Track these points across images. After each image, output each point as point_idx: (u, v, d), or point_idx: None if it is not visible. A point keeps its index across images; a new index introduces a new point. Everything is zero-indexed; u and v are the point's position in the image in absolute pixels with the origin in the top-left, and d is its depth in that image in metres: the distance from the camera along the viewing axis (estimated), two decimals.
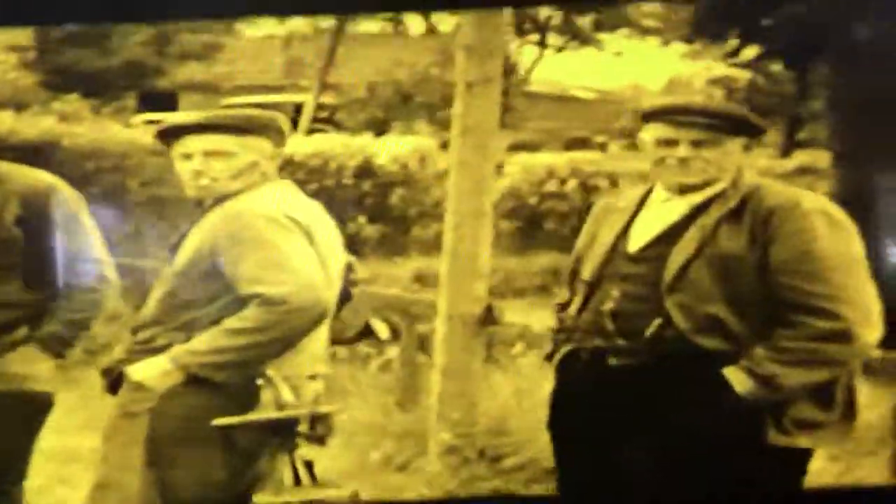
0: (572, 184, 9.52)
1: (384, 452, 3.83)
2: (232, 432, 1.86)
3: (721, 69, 11.19)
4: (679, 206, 1.90)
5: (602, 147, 10.55)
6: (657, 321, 1.81)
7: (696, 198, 1.89)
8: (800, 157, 9.43)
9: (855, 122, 4.93)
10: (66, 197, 2.18)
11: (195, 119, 2.05)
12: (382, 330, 2.10)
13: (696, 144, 1.88)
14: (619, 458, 1.83)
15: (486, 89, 3.98)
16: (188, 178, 2.02)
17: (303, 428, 1.88)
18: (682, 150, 1.88)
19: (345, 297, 2.07)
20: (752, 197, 1.85)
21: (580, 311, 1.93)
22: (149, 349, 1.95)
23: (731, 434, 1.75)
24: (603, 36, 9.90)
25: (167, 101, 10.56)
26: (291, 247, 1.91)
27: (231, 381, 1.90)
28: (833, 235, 1.77)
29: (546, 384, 3.93)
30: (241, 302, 1.90)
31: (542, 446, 3.55)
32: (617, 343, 1.85)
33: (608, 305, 1.87)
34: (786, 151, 10.46)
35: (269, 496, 1.86)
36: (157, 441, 1.89)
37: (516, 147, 9.03)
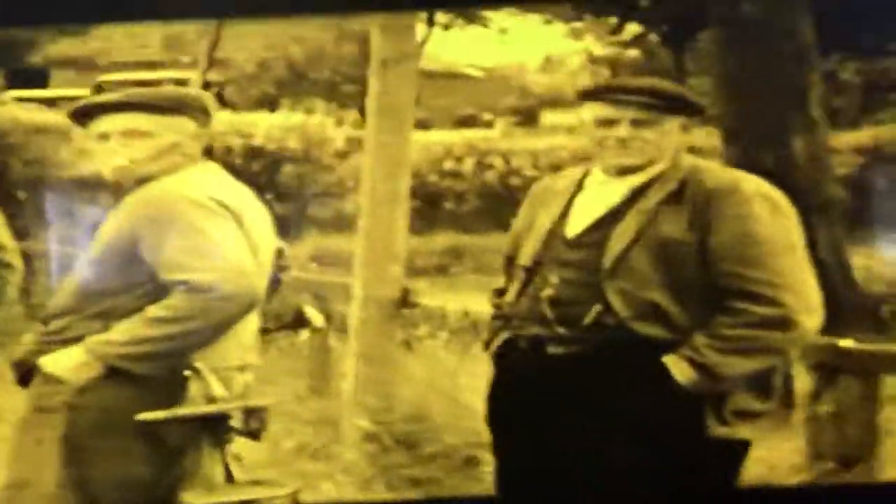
0: (469, 163, 9.59)
1: (298, 440, 3.76)
2: (157, 428, 1.77)
3: (601, 48, 11.47)
4: (618, 189, 1.85)
5: (489, 124, 10.65)
6: (596, 308, 1.77)
7: (636, 180, 1.84)
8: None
9: (744, 98, 5.10)
10: None
11: (111, 98, 1.94)
12: (316, 317, 2.03)
13: (636, 124, 1.83)
14: (558, 450, 1.79)
15: (402, 67, 3.93)
16: (105, 160, 1.91)
17: (235, 422, 1.80)
18: (622, 130, 1.83)
19: (275, 284, 1.99)
20: (691, 179, 1.81)
21: (518, 297, 1.89)
22: (62, 339, 1.84)
23: (672, 425, 1.72)
24: (488, 13, 9.94)
25: (37, 78, 10.04)
26: (219, 231, 1.82)
27: (154, 373, 1.80)
28: (773, 220, 1.76)
29: (462, 370, 3.94)
30: (164, 289, 1.81)
31: (461, 433, 3.57)
32: (556, 331, 1.80)
33: (547, 292, 1.82)
34: None
35: (200, 496, 1.77)
36: (74, 437, 1.78)
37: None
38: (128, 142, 1.87)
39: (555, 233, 1.88)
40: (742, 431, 1.74)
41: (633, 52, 11.46)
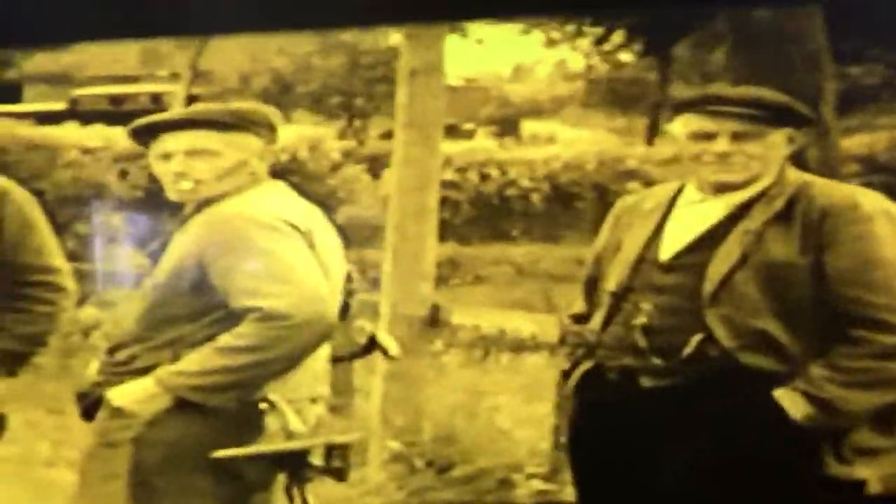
0: (466, 173, 9.53)
1: None
2: (231, 464, 1.66)
3: (580, 58, 11.48)
4: (716, 208, 1.73)
5: (470, 134, 10.61)
6: (697, 337, 1.65)
7: (736, 198, 1.72)
8: (675, 146, 9.74)
9: None
10: (19, 200, 1.93)
11: (173, 116, 1.85)
12: (391, 345, 1.93)
13: (738, 137, 1.70)
14: (653, 490, 1.67)
15: (430, 78, 3.84)
16: (168, 181, 1.81)
17: (316, 460, 1.69)
18: (722, 144, 1.70)
19: (345, 309, 1.90)
20: (800, 196, 1.69)
21: (605, 324, 1.77)
22: (129, 371, 1.73)
23: (784, 465, 1.60)
24: (467, 23, 9.88)
25: (10, 93, 9.89)
26: (291, 255, 1.73)
27: (226, 406, 1.70)
28: None
29: (498, 389, 3.85)
30: (236, 317, 1.70)
31: (492, 455, 3.48)
32: (651, 361, 1.68)
33: (639, 320, 1.71)
34: (650, 139, 10.83)
35: None
36: (141, 473, 1.68)
37: (390, 135, 8.91)
38: (192, 161, 1.78)
39: (646, 256, 1.76)
40: (862, 470, 1.61)
41: (614, 62, 11.46)
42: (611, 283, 1.80)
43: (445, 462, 3.50)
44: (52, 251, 1.97)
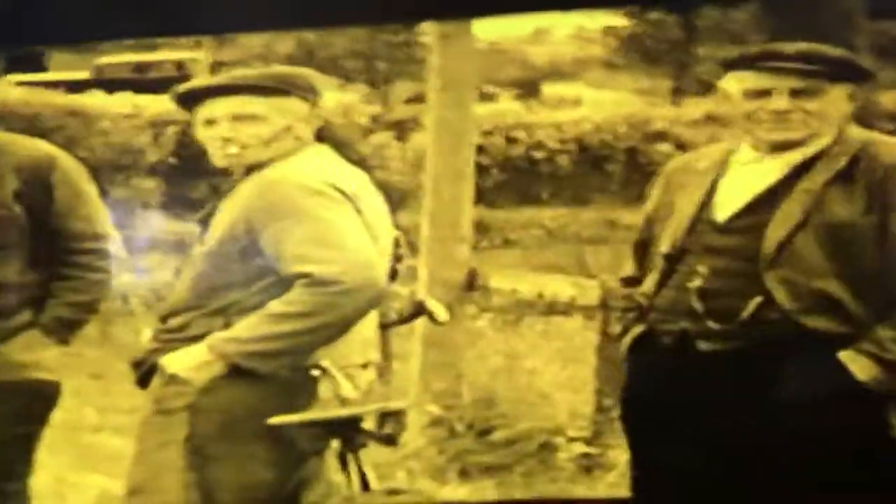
0: (492, 137, 9.44)
1: None
2: (285, 430, 1.66)
3: (600, 19, 11.24)
4: (774, 168, 1.68)
5: (492, 97, 10.50)
6: (756, 300, 1.61)
7: (794, 157, 1.66)
8: (705, 106, 9.55)
9: None
10: (69, 168, 1.94)
11: (219, 81, 1.83)
12: (440, 311, 1.91)
13: (796, 94, 1.64)
14: (711, 454, 1.64)
15: (462, 40, 3.79)
16: (214, 147, 1.79)
17: (369, 426, 1.69)
18: (779, 101, 1.64)
19: (392, 275, 1.88)
20: (863, 154, 1.63)
21: (658, 288, 1.73)
22: (182, 338, 1.73)
23: (850, 428, 1.57)
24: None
25: (32, 60, 9.91)
26: (340, 220, 1.71)
27: (278, 372, 1.69)
28: None
29: (536, 353, 3.83)
30: (286, 283, 1.69)
31: (532, 418, 3.48)
32: (707, 325, 1.64)
33: (695, 282, 1.67)
34: (676, 100, 10.62)
35: (334, 502, 1.67)
36: (197, 440, 1.68)
37: (417, 99, 8.85)
38: (238, 126, 1.76)
39: (700, 217, 1.71)
40: None
41: (636, 22, 11.23)
42: (664, 245, 1.76)
43: (485, 426, 3.51)
44: (101, 218, 1.97)
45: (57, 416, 2.02)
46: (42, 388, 1.92)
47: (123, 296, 5.06)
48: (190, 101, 1.82)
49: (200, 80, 1.86)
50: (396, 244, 1.88)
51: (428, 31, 3.80)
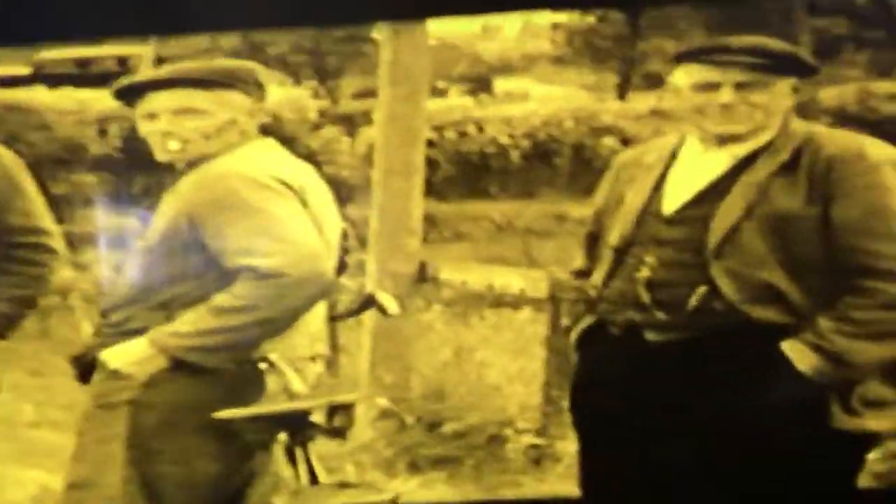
0: (443, 131, 9.45)
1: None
2: (230, 424, 1.64)
3: (547, 15, 11.34)
4: (720, 160, 1.69)
5: (443, 93, 10.51)
6: (702, 290, 1.63)
7: (740, 149, 1.68)
8: (650, 100, 9.72)
9: None
10: (6, 162, 1.88)
11: (159, 75, 1.80)
12: (391, 303, 1.90)
13: (742, 87, 1.66)
14: (657, 445, 1.65)
15: (415, 33, 3.77)
16: (156, 141, 1.76)
17: (318, 419, 1.67)
18: (725, 95, 1.66)
19: (341, 268, 1.86)
20: (806, 146, 1.65)
21: (607, 279, 1.74)
22: (123, 332, 1.70)
23: (792, 417, 1.58)
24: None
25: None
26: (285, 213, 1.70)
27: (223, 366, 1.67)
28: None
29: (486, 345, 3.83)
30: (230, 276, 1.67)
31: (482, 411, 3.48)
32: (654, 315, 1.66)
33: (643, 273, 1.68)
34: (622, 94, 10.78)
35: (286, 500, 1.65)
36: (139, 435, 1.66)
37: (366, 94, 8.83)
38: (179, 121, 1.73)
39: (648, 210, 1.73)
40: (871, 423, 1.60)
41: (582, 17, 11.36)
42: (613, 237, 1.77)
43: (435, 418, 3.50)
44: (41, 213, 1.92)
45: None
46: None
47: (63, 291, 4.94)
48: (131, 95, 1.79)
49: (141, 74, 1.82)
50: (344, 237, 1.86)
51: (379, 27, 3.76)
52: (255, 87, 1.80)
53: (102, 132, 8.12)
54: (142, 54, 10.07)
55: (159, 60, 9.75)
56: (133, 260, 1.75)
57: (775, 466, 1.61)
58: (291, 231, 1.68)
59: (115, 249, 1.95)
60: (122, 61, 9.88)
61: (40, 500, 2.68)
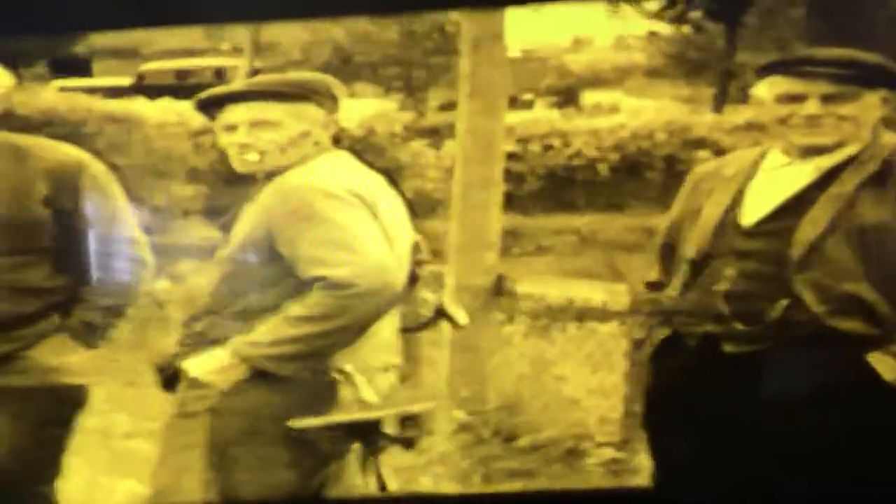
0: (529, 144, 9.42)
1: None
2: (305, 433, 1.67)
3: (642, 27, 11.18)
4: (804, 172, 1.68)
5: (529, 105, 10.46)
6: (784, 302, 1.61)
7: (825, 161, 1.67)
8: (745, 113, 9.48)
9: None
10: (97, 172, 1.95)
11: (237, 87, 1.85)
12: (460, 315, 1.91)
13: (828, 99, 1.65)
14: (735, 459, 1.64)
15: (494, 47, 3.78)
16: (234, 153, 1.82)
17: (390, 430, 1.69)
18: (811, 107, 1.65)
19: (412, 279, 1.88)
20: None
21: (683, 291, 1.74)
22: (205, 341, 1.74)
23: (877, 429, 1.56)
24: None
25: (80, 67, 10.09)
26: (355, 224, 1.72)
27: (299, 375, 1.70)
28: None
29: (565, 358, 3.80)
30: (304, 286, 1.70)
31: (560, 424, 3.45)
32: (733, 327, 1.65)
33: (722, 286, 1.67)
34: (718, 107, 10.55)
35: None
36: (219, 443, 1.70)
37: (451, 106, 8.87)
38: (256, 133, 1.78)
39: (727, 222, 1.72)
40: None
41: (677, 29, 11.17)
42: (689, 249, 1.76)
43: (512, 432, 3.48)
44: (130, 223, 1.98)
45: (90, 421, 2.03)
46: (69, 392, 1.93)
47: (159, 302, 5.11)
48: (211, 107, 1.84)
49: (220, 87, 1.88)
50: (416, 249, 1.88)
51: (461, 39, 3.79)
52: (328, 99, 1.84)
53: (198, 145, 8.39)
54: (237, 66, 10.44)
55: (253, 73, 10.08)
56: (214, 270, 1.80)
57: (859, 480, 1.56)
58: (362, 242, 1.71)
59: (210, 261, 2.03)
60: (219, 72, 10.25)
61: None
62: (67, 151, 1.96)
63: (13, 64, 2.08)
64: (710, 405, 1.69)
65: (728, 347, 1.67)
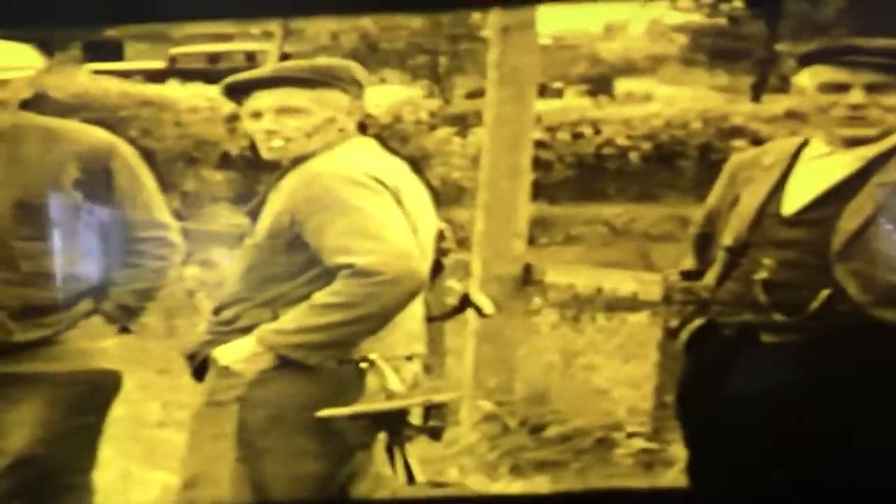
0: (558, 132, 9.33)
1: None
2: (333, 424, 1.65)
3: (677, 14, 11.01)
4: (846, 161, 1.65)
5: (559, 93, 10.35)
6: (825, 292, 1.59)
7: (869, 151, 1.64)
8: (784, 102, 9.32)
9: None
10: (127, 155, 1.94)
11: (263, 73, 1.83)
12: (486, 304, 1.88)
13: (872, 89, 1.62)
14: (772, 449, 1.62)
15: (524, 33, 3.72)
16: (260, 139, 1.79)
17: (415, 419, 1.66)
18: (855, 96, 1.62)
19: (438, 268, 1.85)
20: None
21: (720, 280, 1.72)
22: (233, 330, 1.73)
23: None
24: None
25: (113, 51, 10.13)
26: (380, 211, 1.70)
27: (325, 364, 1.68)
28: None
29: (594, 348, 3.75)
30: (330, 274, 1.68)
31: (589, 414, 3.40)
32: (772, 317, 1.63)
33: (761, 275, 1.65)
34: (756, 96, 10.38)
35: (382, 494, 1.65)
36: (248, 432, 1.68)
37: (477, 94, 8.80)
38: (282, 119, 1.76)
39: (766, 211, 1.69)
40: None
41: (715, 17, 10.99)
42: (727, 238, 1.74)
43: (539, 422, 3.44)
44: (160, 207, 1.97)
45: (122, 410, 2.02)
46: (103, 377, 1.93)
47: (189, 290, 5.10)
48: (238, 93, 1.82)
49: (246, 72, 1.85)
50: (440, 237, 1.85)
51: (488, 25, 3.73)
52: (353, 86, 1.82)
53: (231, 130, 8.33)
54: (268, 50, 10.45)
55: (283, 57, 10.08)
56: (241, 258, 1.78)
57: None
58: (386, 229, 1.69)
59: (238, 248, 2.01)
60: (251, 56, 10.25)
61: (162, 501, 2.76)
62: (98, 135, 1.95)
63: (47, 47, 2.07)
64: (748, 395, 1.67)
65: (766, 337, 1.65)
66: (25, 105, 1.93)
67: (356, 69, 1.84)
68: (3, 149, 1.87)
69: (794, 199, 1.69)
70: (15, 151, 1.87)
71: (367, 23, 10.52)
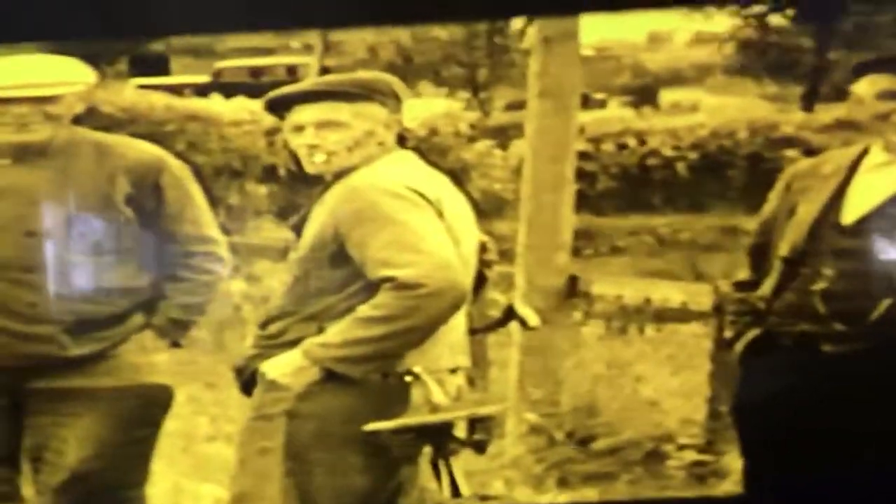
0: (602, 143, 9.25)
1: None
2: (378, 435, 1.63)
3: (723, 24, 10.87)
4: None
5: (602, 104, 10.26)
6: (886, 302, 1.57)
7: None
8: (836, 111, 9.13)
9: None
10: (176, 170, 1.95)
11: (302, 87, 1.84)
12: (531, 316, 1.85)
13: None
14: (837, 457, 1.60)
15: (566, 45, 3.70)
16: (303, 153, 1.79)
17: (460, 432, 1.64)
18: None
19: (481, 280, 1.83)
20: None
21: (777, 291, 1.69)
22: (280, 343, 1.72)
23: None
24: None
25: (159, 65, 10.30)
26: (421, 224, 1.69)
27: (370, 377, 1.67)
28: None
29: (643, 359, 3.68)
30: (373, 287, 1.67)
31: (639, 426, 3.34)
32: (832, 327, 1.61)
33: (819, 285, 1.63)
34: (808, 106, 10.19)
35: None
36: (295, 446, 1.67)
37: (517, 105, 8.76)
38: (323, 133, 1.76)
39: (825, 220, 1.68)
40: None
41: (763, 27, 10.84)
42: (783, 249, 1.72)
43: (587, 434, 3.39)
44: (209, 221, 1.98)
45: (172, 424, 2.02)
46: (156, 392, 1.94)
47: (236, 304, 5.14)
48: (280, 107, 1.83)
49: (287, 87, 1.86)
50: (483, 249, 1.83)
51: (529, 36, 3.72)
52: (391, 99, 1.81)
53: (272, 143, 8.42)
54: (308, 64, 10.56)
55: (323, 71, 10.19)
56: (287, 272, 1.78)
57: None
58: (428, 242, 1.68)
59: (283, 262, 2.01)
60: (292, 70, 10.35)
61: None
62: (148, 150, 1.96)
63: (95, 61, 2.10)
64: (807, 406, 1.64)
65: (827, 347, 1.63)
66: (77, 120, 1.95)
67: (394, 82, 1.84)
68: (56, 164, 1.89)
69: (854, 209, 1.67)
70: (68, 166, 1.89)
71: (403, 35, 10.59)
